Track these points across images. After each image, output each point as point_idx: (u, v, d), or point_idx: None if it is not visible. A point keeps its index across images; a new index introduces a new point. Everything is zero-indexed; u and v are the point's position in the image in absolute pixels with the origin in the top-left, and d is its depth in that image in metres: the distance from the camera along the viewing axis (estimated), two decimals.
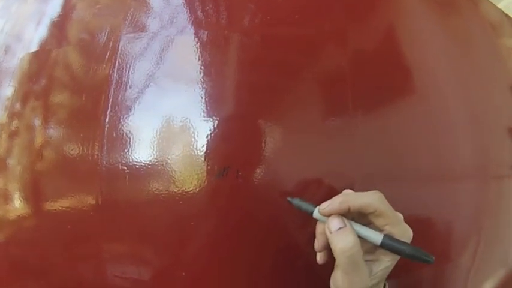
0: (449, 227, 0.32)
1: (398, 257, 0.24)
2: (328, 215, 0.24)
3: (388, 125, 0.30)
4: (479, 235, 0.35)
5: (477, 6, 0.42)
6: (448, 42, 0.36)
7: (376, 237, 0.23)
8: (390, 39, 0.32)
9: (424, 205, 0.31)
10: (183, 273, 0.27)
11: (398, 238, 0.23)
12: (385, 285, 0.26)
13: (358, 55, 0.29)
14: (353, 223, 0.24)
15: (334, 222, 0.23)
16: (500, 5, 0.46)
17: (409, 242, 0.23)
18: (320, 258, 0.25)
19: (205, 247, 0.27)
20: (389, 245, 0.23)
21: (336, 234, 0.23)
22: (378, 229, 0.24)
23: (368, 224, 0.24)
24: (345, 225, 0.23)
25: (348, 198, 0.24)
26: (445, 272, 0.33)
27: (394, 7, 0.34)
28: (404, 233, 0.23)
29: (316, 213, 0.24)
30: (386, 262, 0.24)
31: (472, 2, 0.41)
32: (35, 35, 0.35)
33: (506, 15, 0.46)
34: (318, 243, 0.25)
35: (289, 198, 0.25)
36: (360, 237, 0.23)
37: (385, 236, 0.23)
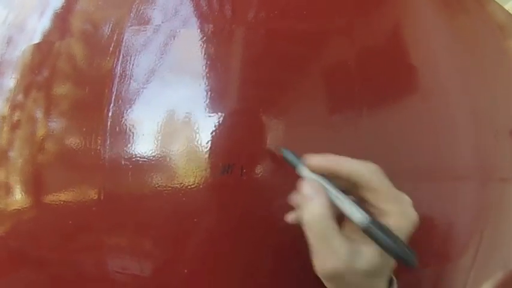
0: (450, 227, 0.32)
1: None
2: (312, 170, 0.22)
3: (392, 122, 0.29)
4: (480, 236, 0.35)
5: (484, 7, 0.42)
6: (453, 42, 0.35)
7: (361, 218, 0.20)
8: (396, 37, 0.31)
9: (425, 204, 0.31)
10: (185, 270, 0.27)
11: (392, 222, 0.20)
12: (391, 281, 0.23)
13: (364, 51, 0.29)
14: (338, 195, 0.21)
15: (307, 188, 0.21)
16: (507, 6, 0.45)
17: (409, 228, 0.20)
18: (291, 218, 0.23)
19: (207, 243, 0.27)
20: (371, 232, 0.20)
21: (305, 203, 0.21)
22: (372, 208, 0.21)
23: (362, 201, 0.21)
24: (316, 193, 0.21)
25: (338, 159, 0.21)
26: (445, 273, 0.33)
27: (401, 5, 0.33)
28: (403, 216, 0.20)
29: (302, 167, 0.22)
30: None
31: (478, 2, 0.41)
32: (38, 26, 0.35)
33: None
34: (293, 199, 0.23)
35: (280, 148, 0.24)
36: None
37: (372, 221, 0.20)
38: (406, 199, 0.21)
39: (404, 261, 0.19)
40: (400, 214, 0.20)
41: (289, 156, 0.24)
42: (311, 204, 0.21)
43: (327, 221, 0.20)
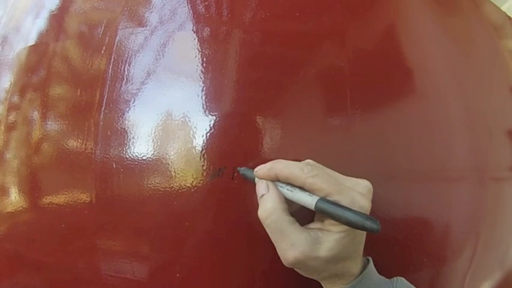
0: (445, 228, 0.32)
1: (349, 228, 0.21)
2: (262, 178, 0.23)
3: (385, 124, 0.29)
4: (477, 238, 0.35)
5: (479, 7, 0.42)
6: (448, 43, 0.35)
7: (310, 201, 0.21)
8: (390, 38, 0.31)
9: (420, 205, 0.31)
10: (178, 275, 0.27)
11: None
12: (368, 260, 0.24)
13: (357, 53, 0.29)
14: (287, 187, 0.22)
15: (259, 188, 0.23)
16: (503, 7, 0.45)
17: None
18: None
19: (200, 247, 0.27)
20: (324, 208, 0.20)
21: (259, 201, 0.23)
22: None
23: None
24: (267, 191, 0.22)
25: (277, 165, 0.23)
26: (441, 275, 0.33)
27: (395, 6, 0.33)
28: (352, 203, 0.21)
29: (256, 179, 0.24)
30: (335, 233, 0.21)
31: (474, 3, 0.41)
32: (33, 28, 0.35)
33: (509, 17, 0.46)
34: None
35: (238, 168, 0.25)
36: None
37: (320, 199, 0.21)
38: (359, 187, 0.22)
39: (364, 228, 0.19)
40: (347, 201, 0.21)
41: (246, 173, 0.25)
42: (263, 200, 0.22)
43: (280, 214, 0.22)
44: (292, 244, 0.21)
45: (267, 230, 0.22)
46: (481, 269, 0.36)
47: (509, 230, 0.39)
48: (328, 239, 0.21)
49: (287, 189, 0.23)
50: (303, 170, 0.22)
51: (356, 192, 0.21)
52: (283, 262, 0.22)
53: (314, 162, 0.23)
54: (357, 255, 0.23)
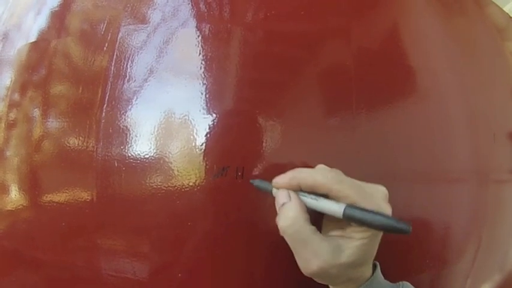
0: (446, 230, 0.32)
1: (372, 233, 0.21)
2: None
3: (389, 123, 0.29)
4: (478, 241, 0.34)
5: (483, 9, 0.42)
6: (451, 44, 0.35)
7: (338, 208, 0.21)
8: (394, 38, 0.31)
9: (421, 206, 0.30)
10: (180, 274, 0.26)
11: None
12: (375, 265, 0.24)
13: (362, 52, 0.29)
14: (310, 196, 0.22)
15: (279, 197, 0.22)
16: (505, 8, 0.45)
17: None
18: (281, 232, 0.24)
19: (202, 246, 0.27)
20: (352, 215, 0.20)
21: (280, 211, 0.22)
22: None
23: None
24: (289, 200, 0.22)
25: (299, 175, 0.22)
26: (442, 277, 0.33)
27: (399, 6, 0.33)
28: (378, 209, 0.21)
29: (274, 190, 0.23)
30: (357, 240, 0.21)
31: (477, 4, 0.41)
32: (34, 25, 0.35)
33: None
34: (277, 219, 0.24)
35: (251, 181, 0.25)
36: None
37: (348, 206, 0.20)
38: (379, 193, 0.22)
39: (395, 230, 0.19)
40: (372, 207, 0.21)
41: (261, 184, 0.25)
42: (284, 209, 0.22)
43: (302, 224, 0.21)
44: (315, 254, 0.21)
45: (288, 239, 0.22)
46: (482, 271, 0.36)
47: (509, 233, 0.39)
48: (350, 245, 0.21)
49: (311, 198, 0.22)
50: (327, 177, 0.21)
51: (379, 198, 0.21)
52: (303, 272, 0.22)
53: (331, 168, 0.23)
54: (371, 260, 0.23)
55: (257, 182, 0.25)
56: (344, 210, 0.20)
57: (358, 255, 0.21)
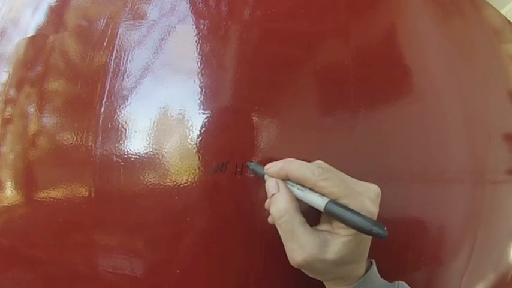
0: (442, 229, 0.33)
1: (356, 232, 0.21)
2: (271, 176, 0.23)
3: (385, 123, 0.29)
4: (473, 240, 0.35)
5: (480, 11, 0.42)
6: (448, 45, 0.36)
7: (321, 202, 0.21)
8: (391, 38, 0.32)
9: (417, 206, 0.31)
10: (178, 270, 0.26)
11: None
12: (371, 263, 0.24)
13: (360, 52, 0.29)
14: (297, 187, 0.23)
15: (269, 187, 0.23)
16: (502, 11, 0.46)
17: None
18: (269, 220, 0.25)
19: (199, 242, 0.27)
20: (333, 212, 0.21)
21: (270, 200, 0.23)
22: None
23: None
24: (278, 191, 0.22)
25: (288, 166, 0.23)
26: (437, 275, 0.33)
27: (397, 7, 0.33)
28: (361, 208, 0.21)
29: (266, 177, 0.24)
30: (342, 236, 0.21)
31: (474, 6, 0.41)
32: (31, 20, 0.35)
33: (509, 22, 0.46)
34: (267, 204, 0.24)
35: (248, 163, 0.25)
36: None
37: (330, 201, 0.21)
38: (368, 192, 0.22)
39: (371, 233, 0.20)
40: (357, 205, 0.21)
41: (256, 168, 0.25)
42: (275, 200, 0.22)
43: (292, 214, 0.22)
44: (301, 246, 0.21)
45: (278, 228, 0.22)
46: (477, 270, 0.36)
47: (504, 233, 0.40)
48: (336, 242, 0.21)
49: (297, 189, 0.23)
50: (314, 172, 0.22)
51: (365, 198, 0.22)
52: (290, 262, 0.22)
53: (325, 165, 0.23)
54: (362, 259, 0.23)
55: (253, 165, 0.25)
56: (325, 205, 0.21)
57: (344, 253, 0.21)
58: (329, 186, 0.21)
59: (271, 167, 0.23)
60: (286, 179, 0.23)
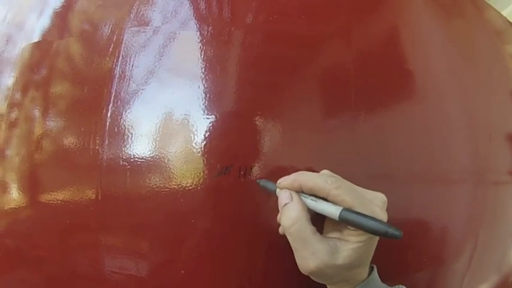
0: (444, 230, 0.33)
1: (367, 237, 0.22)
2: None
3: (387, 125, 0.30)
4: (475, 241, 0.35)
5: (481, 12, 0.42)
6: (450, 46, 0.36)
7: (335, 211, 0.22)
8: (393, 40, 0.32)
9: (419, 207, 0.31)
10: (182, 271, 0.27)
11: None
12: (372, 268, 0.25)
13: (361, 54, 0.29)
14: (310, 197, 0.23)
15: (282, 197, 0.24)
16: (504, 12, 0.46)
17: None
18: (280, 231, 0.25)
19: (203, 244, 0.27)
20: (347, 218, 0.21)
21: (282, 210, 0.23)
22: None
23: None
24: (291, 200, 0.23)
25: (301, 177, 0.24)
26: (439, 276, 0.33)
27: (398, 8, 0.34)
28: (372, 215, 0.21)
29: (278, 190, 0.25)
30: (353, 243, 0.22)
31: (476, 8, 0.41)
32: (37, 25, 0.35)
33: (511, 23, 0.46)
34: (279, 217, 0.25)
35: (257, 181, 0.26)
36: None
37: (344, 209, 0.22)
38: (377, 200, 0.23)
39: (387, 235, 0.20)
40: (368, 213, 0.22)
41: (266, 184, 0.26)
42: (287, 209, 0.23)
43: (303, 224, 0.22)
44: (313, 253, 0.22)
45: (289, 237, 0.23)
46: (479, 271, 0.36)
47: (507, 234, 0.40)
48: (346, 248, 0.22)
49: (311, 199, 0.23)
50: (327, 181, 0.23)
51: (375, 205, 0.22)
52: (301, 270, 0.23)
53: (334, 174, 0.24)
54: (368, 262, 0.24)
55: (263, 182, 0.26)
56: (340, 213, 0.22)
57: (354, 258, 0.22)
58: (342, 194, 0.22)
59: (284, 181, 0.24)
60: (299, 191, 0.24)
